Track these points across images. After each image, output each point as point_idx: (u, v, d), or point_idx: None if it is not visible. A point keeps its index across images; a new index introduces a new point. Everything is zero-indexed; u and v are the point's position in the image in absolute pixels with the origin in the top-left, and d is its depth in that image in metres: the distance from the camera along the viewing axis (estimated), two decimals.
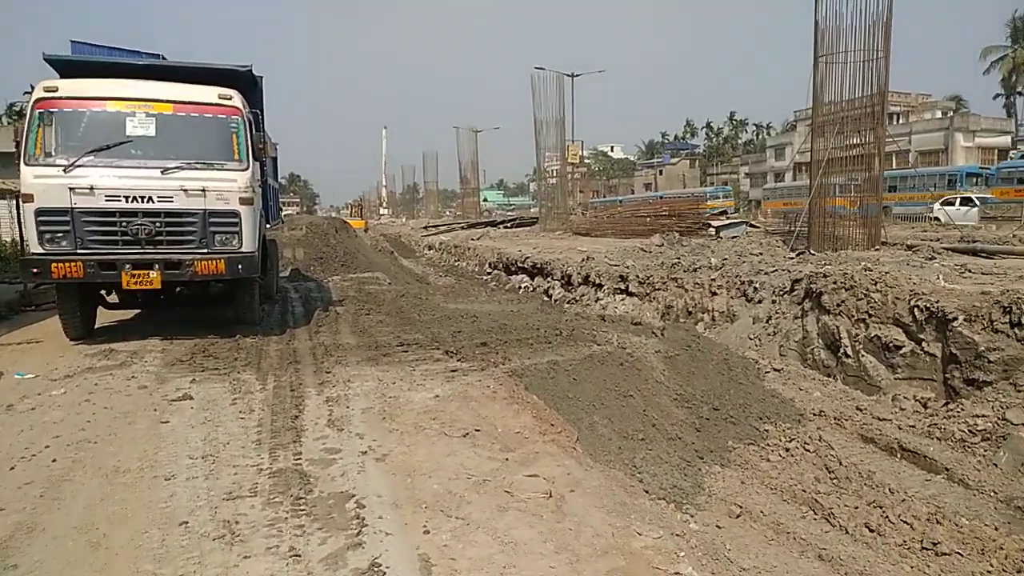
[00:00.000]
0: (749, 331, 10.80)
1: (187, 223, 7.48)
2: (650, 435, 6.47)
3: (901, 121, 54.33)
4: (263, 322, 8.84)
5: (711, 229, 24.18)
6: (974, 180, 31.60)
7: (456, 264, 26.54)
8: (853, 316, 8.87)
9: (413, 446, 4.25)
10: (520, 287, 18.93)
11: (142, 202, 7.30)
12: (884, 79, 15.14)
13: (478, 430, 4.49)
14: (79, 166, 7.18)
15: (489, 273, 22.25)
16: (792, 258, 13.29)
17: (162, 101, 7.63)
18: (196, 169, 7.53)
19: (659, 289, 13.53)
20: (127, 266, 7.21)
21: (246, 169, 7.79)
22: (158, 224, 7.36)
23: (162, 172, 7.37)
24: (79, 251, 7.17)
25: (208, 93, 7.82)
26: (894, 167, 38.11)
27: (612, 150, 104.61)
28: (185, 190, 7.41)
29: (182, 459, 4.00)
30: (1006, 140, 48.18)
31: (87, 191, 7.13)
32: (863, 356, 8.60)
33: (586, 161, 71.15)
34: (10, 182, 14.07)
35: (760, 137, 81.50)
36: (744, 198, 60.75)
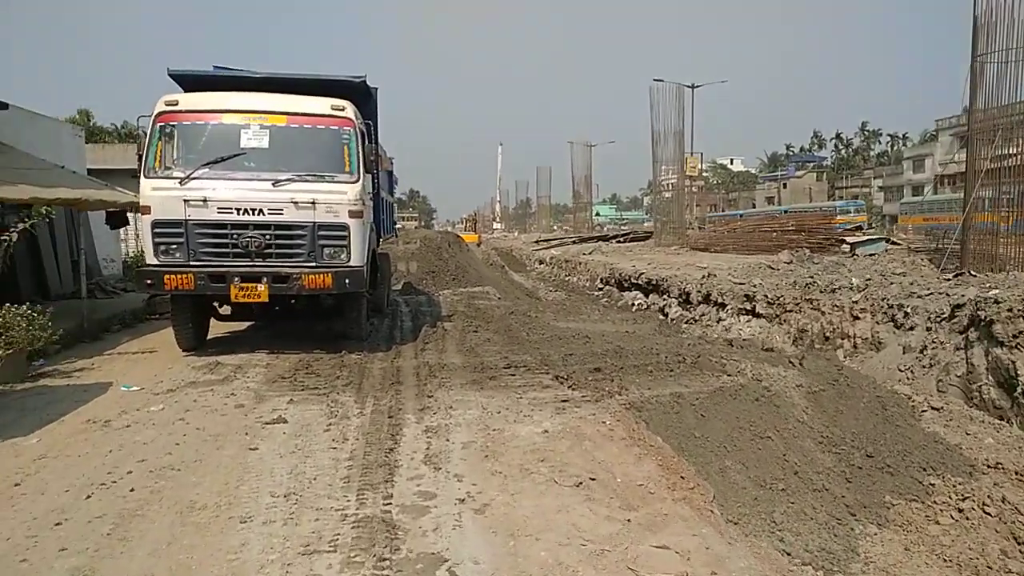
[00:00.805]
0: (899, 362, 9.52)
1: (296, 236, 7.32)
2: (792, 485, 5.58)
3: None
4: (370, 337, 8.58)
5: (845, 246, 22.41)
6: None
7: (567, 279, 25.97)
8: None
9: (517, 495, 3.66)
10: (633, 304, 18.06)
11: (253, 214, 7.20)
12: None
13: (593, 479, 3.83)
14: (195, 178, 7.17)
15: (600, 289, 21.51)
16: (948, 279, 11.75)
17: (276, 113, 7.55)
18: (307, 181, 7.37)
19: (791, 311, 12.35)
20: (236, 279, 7.11)
21: (357, 181, 7.57)
22: (268, 237, 7.24)
23: (273, 184, 7.25)
24: (191, 263, 7.15)
25: (321, 104, 7.68)
26: None
27: (732, 163, 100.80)
28: (295, 202, 7.26)
29: (263, 496, 3.60)
30: None
31: (201, 203, 7.10)
32: None
33: (704, 174, 68.78)
34: None
35: (895, 148, 76.05)
36: (878, 213, 56.56)
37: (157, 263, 7.15)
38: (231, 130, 7.47)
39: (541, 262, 32.20)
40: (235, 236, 7.17)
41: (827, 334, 11.39)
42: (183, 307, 7.69)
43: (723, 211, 70.52)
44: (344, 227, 7.38)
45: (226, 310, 8.28)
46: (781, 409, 6.31)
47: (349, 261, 7.40)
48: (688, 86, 38.14)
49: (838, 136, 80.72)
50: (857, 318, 10.90)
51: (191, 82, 8.30)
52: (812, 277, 14.51)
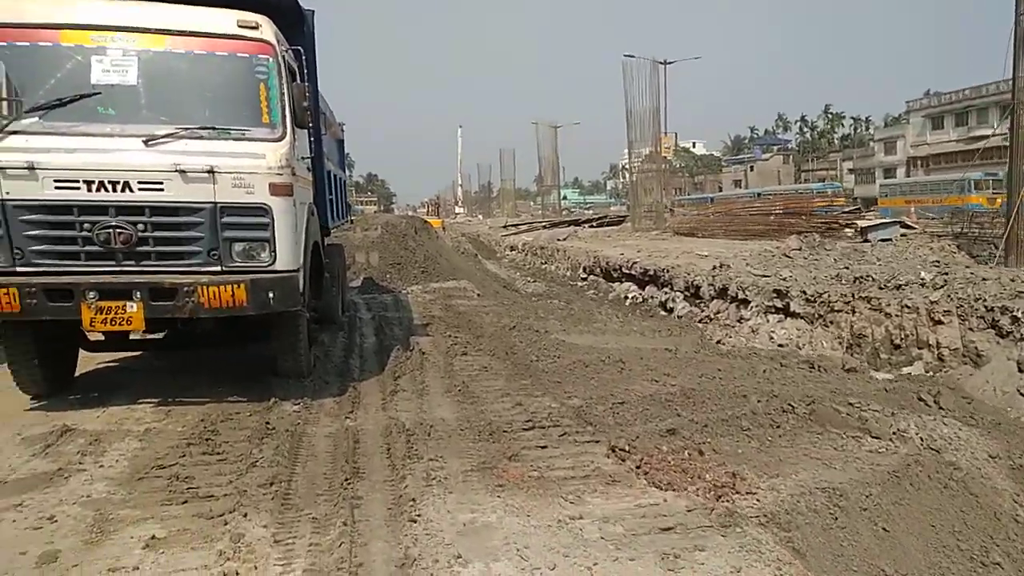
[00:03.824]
0: (1017, 383, 7.29)
1: (186, 225, 4.66)
2: None
3: None
4: (315, 371, 5.95)
5: (847, 231, 20.53)
6: None
7: (543, 267, 23.52)
8: None
9: None
10: (627, 297, 15.66)
11: (114, 190, 4.51)
12: None
13: None
14: (13, 133, 4.46)
15: (584, 279, 19.12)
16: None
17: (149, 30, 4.79)
18: (201, 139, 4.70)
19: (839, 311, 10.06)
20: (90, 294, 4.43)
21: (282, 139, 4.92)
22: (141, 226, 4.56)
23: (146, 143, 4.57)
24: (18, 269, 4.45)
25: (222, 18, 4.93)
26: None
27: (694, 146, 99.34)
28: (182, 171, 4.59)
29: None
30: None
31: (24, 172, 4.39)
32: None
33: (668, 158, 67.11)
34: None
35: (858, 131, 75.15)
36: (850, 195, 55.32)
37: None
38: (77, 57, 4.71)
39: (512, 248, 29.69)
40: (86, 226, 4.49)
41: (896, 341, 9.15)
42: (19, 336, 4.96)
43: (689, 194, 68.85)
44: (264, 210, 4.73)
45: (98, 335, 5.54)
46: (983, 501, 3.91)
47: (274, 263, 4.77)
48: (660, 62, 35.79)
49: (803, 119, 79.54)
50: (940, 322, 8.67)
51: None
52: (847, 267, 12.35)
